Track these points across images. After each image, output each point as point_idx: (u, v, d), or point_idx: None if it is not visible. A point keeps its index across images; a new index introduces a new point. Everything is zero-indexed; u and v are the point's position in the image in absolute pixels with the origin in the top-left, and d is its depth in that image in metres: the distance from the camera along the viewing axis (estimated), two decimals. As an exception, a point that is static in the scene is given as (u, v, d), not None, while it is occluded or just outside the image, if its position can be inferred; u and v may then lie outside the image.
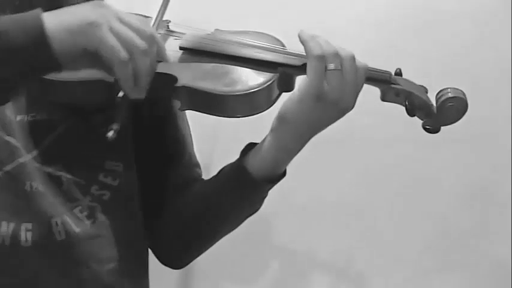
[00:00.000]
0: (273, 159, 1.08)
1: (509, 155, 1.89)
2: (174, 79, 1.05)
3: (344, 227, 1.87)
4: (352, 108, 1.04)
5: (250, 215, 1.18)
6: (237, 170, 1.10)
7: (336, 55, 1.00)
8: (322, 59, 1.00)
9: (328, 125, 1.06)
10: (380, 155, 1.87)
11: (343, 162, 1.87)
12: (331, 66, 1.00)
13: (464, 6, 1.89)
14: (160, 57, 0.96)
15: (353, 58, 1.02)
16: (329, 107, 1.01)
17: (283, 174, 1.11)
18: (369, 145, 1.87)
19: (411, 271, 1.88)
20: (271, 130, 1.08)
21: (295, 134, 1.05)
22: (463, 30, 1.89)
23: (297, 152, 1.08)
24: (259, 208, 1.17)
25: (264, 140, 1.09)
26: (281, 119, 1.05)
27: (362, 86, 1.04)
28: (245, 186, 1.10)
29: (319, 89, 1.00)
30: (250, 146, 1.12)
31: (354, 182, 1.88)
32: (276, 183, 1.11)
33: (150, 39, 0.91)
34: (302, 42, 1.03)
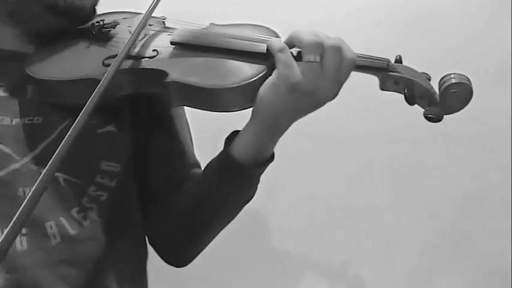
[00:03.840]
0: (255, 143, 1.04)
1: (509, 154, 1.88)
2: (164, 74, 1.02)
3: (342, 228, 1.85)
4: (334, 98, 0.99)
5: (245, 203, 1.14)
6: (223, 157, 1.07)
7: (318, 46, 0.96)
8: (284, 49, 0.98)
9: (306, 114, 1.01)
10: (378, 155, 1.86)
11: (341, 162, 1.85)
12: (309, 57, 0.96)
13: (465, 5, 1.89)
14: None
15: (338, 49, 0.97)
16: (305, 96, 0.97)
17: (271, 158, 1.08)
18: (368, 144, 1.85)
19: (410, 272, 1.86)
20: (251, 115, 1.04)
21: (271, 121, 1.01)
22: (463, 30, 1.89)
23: (278, 137, 1.04)
24: (252, 196, 1.13)
25: (246, 125, 1.05)
26: (257, 105, 1.00)
27: (347, 78, 0.99)
28: (233, 172, 1.06)
29: (291, 81, 0.96)
30: (235, 134, 1.08)
31: (352, 182, 1.86)
32: (263, 167, 1.07)
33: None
34: (267, 46, 1.01)
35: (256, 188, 1.11)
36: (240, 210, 1.15)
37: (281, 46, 0.98)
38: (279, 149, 1.07)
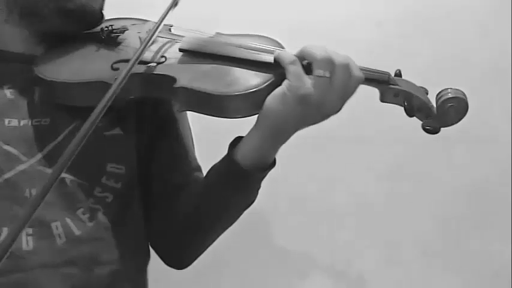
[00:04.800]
0: (258, 150, 1.06)
1: (509, 155, 1.87)
2: (172, 80, 1.04)
3: (343, 228, 1.85)
4: (337, 112, 1.03)
5: (246, 208, 1.16)
6: (227, 162, 1.09)
7: (329, 61, 0.99)
8: (296, 62, 1.01)
9: (309, 125, 1.05)
10: (380, 155, 1.85)
11: (342, 162, 1.85)
12: (319, 72, 0.99)
13: (465, 5, 1.88)
14: None
15: (347, 67, 1.00)
16: (311, 109, 1.00)
17: (273, 163, 1.10)
18: (369, 145, 1.85)
19: (411, 271, 1.86)
20: (256, 121, 1.06)
21: (276, 128, 1.04)
22: (463, 30, 1.88)
23: (281, 145, 1.07)
24: (253, 200, 1.15)
25: (250, 131, 1.08)
26: (263, 113, 1.03)
27: (352, 94, 1.03)
28: (235, 176, 1.08)
29: (301, 93, 0.99)
30: (238, 139, 1.10)
31: (353, 182, 1.86)
32: (266, 172, 1.09)
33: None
34: (276, 59, 1.04)
35: (257, 193, 1.13)
36: (241, 214, 1.17)
37: (292, 58, 1.01)
38: (280, 149, 1.09)
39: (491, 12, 1.89)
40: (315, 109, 1.00)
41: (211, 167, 1.15)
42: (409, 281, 1.86)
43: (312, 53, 1.01)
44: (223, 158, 1.11)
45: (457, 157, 1.88)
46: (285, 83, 1.00)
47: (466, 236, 1.87)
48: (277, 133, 1.04)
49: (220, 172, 1.12)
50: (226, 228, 1.20)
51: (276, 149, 1.08)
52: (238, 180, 1.09)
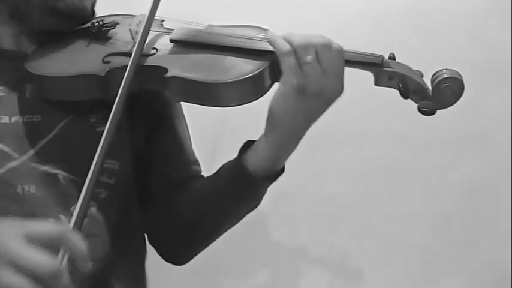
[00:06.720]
0: (271, 157, 1.06)
1: (509, 154, 1.87)
2: (164, 70, 1.04)
3: (342, 226, 1.85)
4: (340, 94, 1.02)
5: (250, 211, 1.16)
6: (237, 168, 1.09)
7: (309, 46, 0.99)
8: (291, 53, 0.99)
9: (320, 115, 1.04)
10: (379, 154, 1.86)
11: (341, 160, 1.85)
12: (307, 59, 0.98)
13: (465, 4, 1.89)
14: None
15: (328, 45, 1.00)
16: (313, 98, 1.00)
17: (282, 170, 1.10)
18: (368, 143, 1.86)
19: (410, 271, 1.86)
20: (265, 129, 1.06)
21: (287, 129, 1.04)
22: (463, 26, 1.89)
23: (295, 147, 1.07)
24: (258, 205, 1.15)
25: (260, 138, 1.08)
26: (270, 116, 1.04)
27: (343, 69, 1.02)
28: (245, 185, 1.09)
29: (297, 84, 0.99)
30: (249, 144, 1.10)
31: (352, 181, 1.86)
32: (275, 180, 1.09)
33: (51, 277, 0.78)
34: (270, 43, 1.03)
35: (262, 198, 1.14)
36: (244, 217, 1.18)
37: (288, 49, 1.00)
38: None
39: (491, 12, 1.90)
40: (317, 96, 1.00)
41: (220, 169, 1.14)
42: (407, 281, 1.86)
43: (292, 43, 1.00)
44: (233, 164, 1.11)
45: (457, 157, 1.87)
46: (282, 78, 1.01)
47: (466, 236, 1.87)
48: (288, 133, 1.04)
49: (229, 179, 1.11)
50: (227, 229, 1.21)
51: (289, 152, 1.08)
52: (247, 189, 1.10)
